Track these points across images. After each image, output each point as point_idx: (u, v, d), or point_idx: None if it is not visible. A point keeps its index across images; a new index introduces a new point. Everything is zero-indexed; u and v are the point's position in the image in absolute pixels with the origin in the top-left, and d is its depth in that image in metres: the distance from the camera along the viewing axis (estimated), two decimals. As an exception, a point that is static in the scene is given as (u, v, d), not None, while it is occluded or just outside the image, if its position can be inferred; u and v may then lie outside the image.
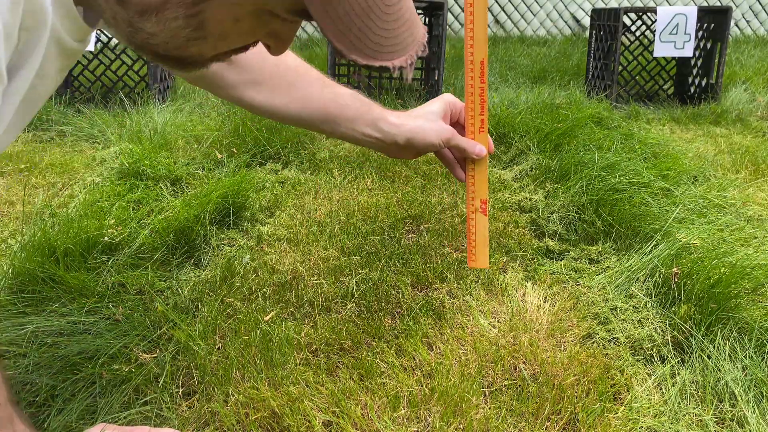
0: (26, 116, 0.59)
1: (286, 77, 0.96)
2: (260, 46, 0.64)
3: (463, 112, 1.01)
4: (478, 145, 0.99)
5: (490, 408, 0.84)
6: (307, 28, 5.34)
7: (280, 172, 1.76)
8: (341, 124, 0.97)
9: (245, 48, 0.62)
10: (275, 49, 0.63)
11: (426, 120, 0.98)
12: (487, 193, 1.02)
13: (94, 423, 0.80)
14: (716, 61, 2.69)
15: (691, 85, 2.89)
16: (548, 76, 3.24)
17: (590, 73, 2.96)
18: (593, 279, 1.18)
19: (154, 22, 0.55)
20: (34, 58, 0.56)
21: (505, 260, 1.24)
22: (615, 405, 0.86)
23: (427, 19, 2.74)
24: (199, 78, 0.92)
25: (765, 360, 0.93)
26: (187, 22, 0.55)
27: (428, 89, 2.68)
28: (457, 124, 1.03)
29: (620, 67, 2.80)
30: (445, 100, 1.01)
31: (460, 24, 5.63)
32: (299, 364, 0.92)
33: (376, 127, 0.96)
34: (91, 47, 2.39)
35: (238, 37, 0.60)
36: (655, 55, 2.65)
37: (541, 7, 5.65)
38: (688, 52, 2.64)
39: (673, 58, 2.95)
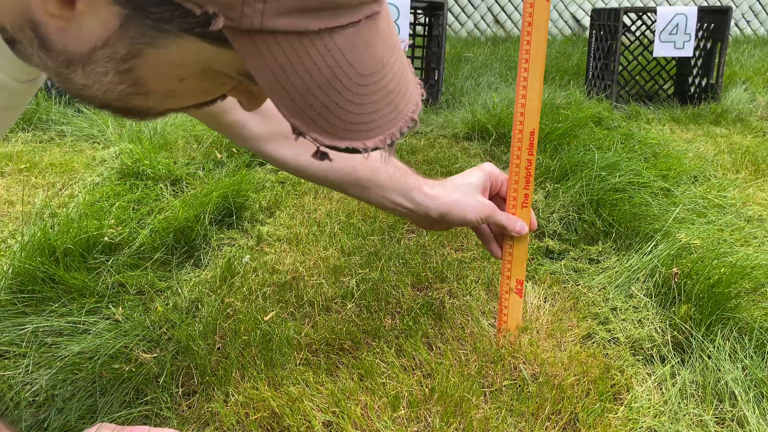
0: None
1: None
2: None
3: (505, 184, 0.94)
4: (519, 221, 0.92)
5: (490, 408, 0.84)
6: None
7: (280, 172, 1.76)
8: (371, 190, 0.89)
9: (212, 102, 0.55)
10: (246, 105, 0.55)
11: (464, 194, 0.90)
12: (524, 273, 0.95)
13: (94, 422, 0.80)
14: (716, 61, 2.70)
15: (691, 85, 2.89)
16: (548, 76, 3.24)
17: (590, 73, 2.96)
18: (593, 279, 1.18)
19: (82, 74, 0.48)
20: None
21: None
22: (615, 405, 0.86)
23: (426, 19, 2.74)
24: (212, 122, 0.84)
25: (765, 360, 0.93)
26: (120, 78, 0.47)
27: (428, 89, 2.68)
28: (497, 197, 0.95)
29: (620, 67, 2.80)
30: (486, 170, 0.93)
31: (460, 24, 5.64)
32: (299, 364, 0.92)
33: (408, 197, 0.88)
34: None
35: (192, 96, 0.52)
36: (654, 55, 2.65)
37: (541, 7, 5.65)
38: (687, 52, 2.65)
39: (673, 58, 2.95)
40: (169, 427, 0.80)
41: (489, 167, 0.94)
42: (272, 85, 0.43)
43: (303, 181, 1.65)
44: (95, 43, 0.45)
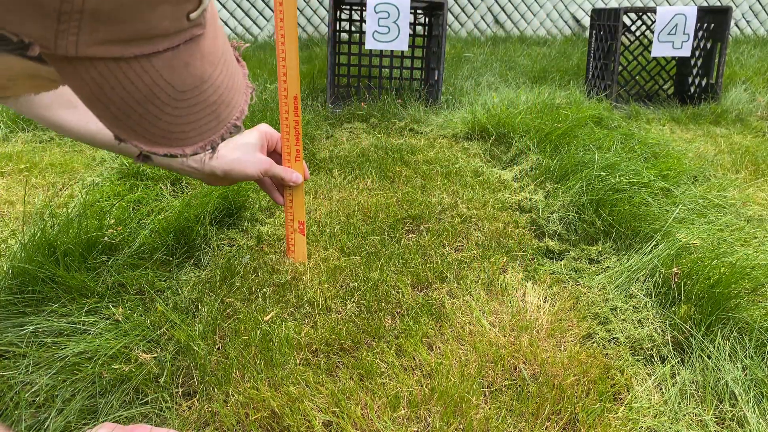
0: None
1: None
2: None
3: (279, 141, 1.09)
4: (295, 172, 1.09)
5: (490, 408, 0.84)
6: (307, 29, 5.34)
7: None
8: None
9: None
10: (30, 89, 0.55)
11: (243, 152, 1.02)
12: (305, 215, 1.15)
13: (96, 423, 0.80)
14: (716, 61, 2.70)
15: (691, 85, 2.89)
16: (548, 76, 3.24)
17: (590, 72, 2.96)
18: (593, 279, 1.18)
19: None
20: None
21: (505, 260, 1.24)
22: (615, 405, 0.86)
23: (426, 19, 2.74)
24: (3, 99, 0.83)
25: (765, 360, 0.93)
26: None
27: (428, 89, 2.68)
28: (275, 153, 1.10)
29: (620, 67, 2.80)
30: (261, 130, 1.06)
31: (460, 24, 5.63)
32: (299, 364, 0.92)
33: (195, 157, 0.91)
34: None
35: (25, 90, 0.53)
36: (653, 55, 2.65)
37: (541, 7, 5.65)
38: (686, 52, 2.65)
39: (673, 58, 2.95)
40: (170, 428, 0.80)
41: (264, 127, 1.07)
42: (91, 99, 0.44)
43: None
44: None
